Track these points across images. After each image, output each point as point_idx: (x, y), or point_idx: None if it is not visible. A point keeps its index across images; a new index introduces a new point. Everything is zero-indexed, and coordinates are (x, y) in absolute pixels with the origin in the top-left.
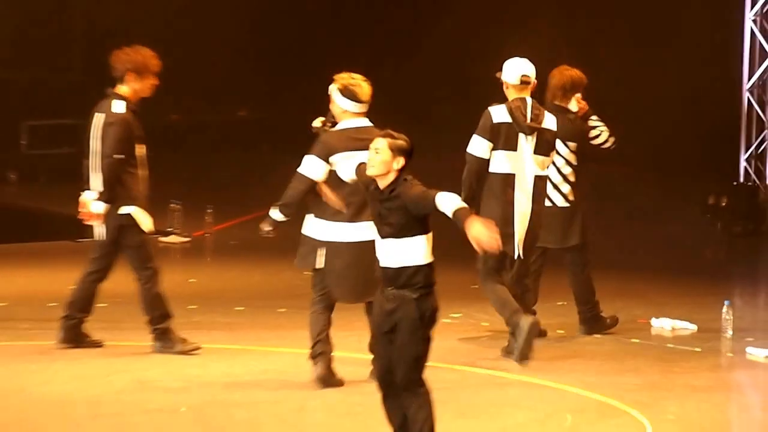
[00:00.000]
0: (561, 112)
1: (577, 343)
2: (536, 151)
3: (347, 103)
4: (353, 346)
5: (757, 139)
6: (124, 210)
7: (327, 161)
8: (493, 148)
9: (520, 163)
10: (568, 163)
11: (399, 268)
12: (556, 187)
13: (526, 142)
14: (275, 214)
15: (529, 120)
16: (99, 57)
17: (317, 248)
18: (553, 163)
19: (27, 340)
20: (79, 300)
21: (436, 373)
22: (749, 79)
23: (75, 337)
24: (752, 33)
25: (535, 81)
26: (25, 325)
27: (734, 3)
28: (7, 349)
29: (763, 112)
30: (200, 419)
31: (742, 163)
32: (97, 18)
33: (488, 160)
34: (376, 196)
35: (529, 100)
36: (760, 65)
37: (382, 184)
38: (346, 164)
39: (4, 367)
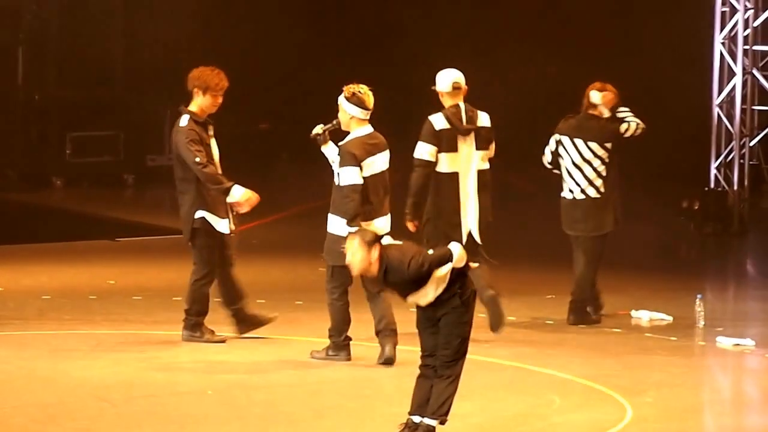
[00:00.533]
0: (595, 119)
1: (562, 333)
2: (477, 148)
3: (355, 110)
4: (362, 334)
5: (725, 149)
6: (199, 214)
7: (360, 167)
8: (438, 152)
9: (463, 162)
10: (603, 162)
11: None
12: (591, 182)
13: (465, 143)
14: (350, 227)
15: (465, 122)
16: (137, 74)
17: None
18: (590, 163)
19: (69, 329)
20: (225, 294)
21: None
22: (719, 95)
23: (246, 321)
24: (721, 54)
25: (466, 86)
26: (67, 316)
27: (705, 24)
28: (51, 338)
29: (731, 125)
30: (224, 401)
31: (713, 171)
32: (135, 38)
33: (435, 163)
34: (379, 283)
35: (462, 105)
36: (728, 83)
37: (373, 272)
38: (367, 169)
39: (49, 354)
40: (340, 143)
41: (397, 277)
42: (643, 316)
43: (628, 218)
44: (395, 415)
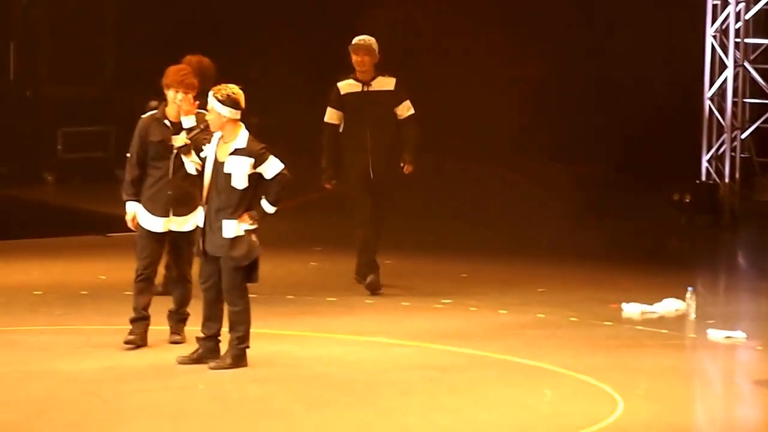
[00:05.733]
0: None
1: (554, 326)
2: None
3: (229, 111)
4: (352, 329)
5: (717, 141)
6: None
7: None
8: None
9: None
10: None
11: None
12: None
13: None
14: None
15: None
16: (127, 70)
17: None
18: None
19: (60, 324)
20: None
21: (430, 354)
22: (710, 88)
23: None
24: (713, 47)
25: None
26: (58, 311)
27: (697, 17)
28: (42, 333)
29: (723, 118)
30: (216, 395)
31: (704, 163)
32: (125, 34)
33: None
34: None
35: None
36: (719, 76)
37: None
38: None
39: (40, 349)
40: (245, 144)
41: None
42: (634, 309)
43: (618, 211)
44: (390, 409)
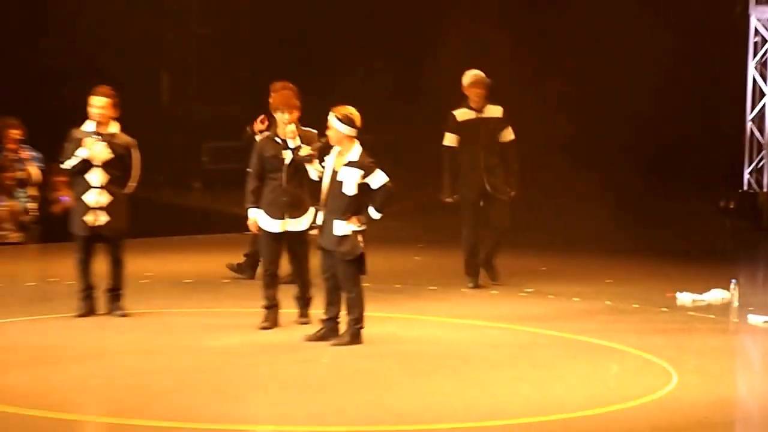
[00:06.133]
0: None
1: (619, 312)
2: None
3: (347, 128)
4: (448, 312)
5: (756, 157)
6: None
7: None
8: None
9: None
10: None
11: None
12: None
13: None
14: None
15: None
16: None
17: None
18: None
19: (206, 308)
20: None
21: (515, 334)
22: (751, 112)
23: None
24: (754, 78)
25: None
26: (205, 296)
27: (741, 51)
28: (192, 315)
29: (762, 136)
30: (336, 367)
31: (746, 176)
32: (259, 61)
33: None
34: None
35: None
36: (759, 101)
37: None
38: None
39: (189, 328)
40: (357, 157)
41: None
42: (686, 298)
43: (673, 215)
44: (481, 380)
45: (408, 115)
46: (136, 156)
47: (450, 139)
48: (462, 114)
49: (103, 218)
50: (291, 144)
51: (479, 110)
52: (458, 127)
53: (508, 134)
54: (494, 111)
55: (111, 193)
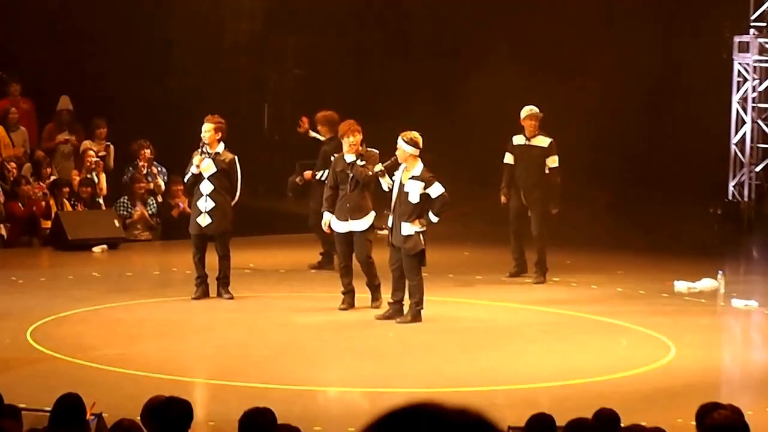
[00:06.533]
0: None
1: (628, 297)
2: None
3: (412, 149)
4: (492, 297)
5: (739, 173)
6: None
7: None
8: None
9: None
10: None
11: None
12: None
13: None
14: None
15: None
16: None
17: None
18: None
19: (297, 292)
20: None
21: (544, 315)
22: (735, 136)
23: None
24: (737, 109)
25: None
26: (295, 283)
27: (725, 86)
28: (285, 298)
29: (743, 156)
30: (401, 340)
31: (731, 188)
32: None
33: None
34: None
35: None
36: (740, 128)
37: None
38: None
39: (284, 308)
40: (420, 172)
41: None
42: (682, 285)
43: (672, 219)
44: (517, 352)
45: (446, 139)
46: (236, 169)
47: (508, 158)
48: (517, 139)
49: (208, 220)
50: (353, 161)
51: (529, 138)
52: (513, 150)
53: (552, 161)
54: (542, 141)
55: (215, 200)
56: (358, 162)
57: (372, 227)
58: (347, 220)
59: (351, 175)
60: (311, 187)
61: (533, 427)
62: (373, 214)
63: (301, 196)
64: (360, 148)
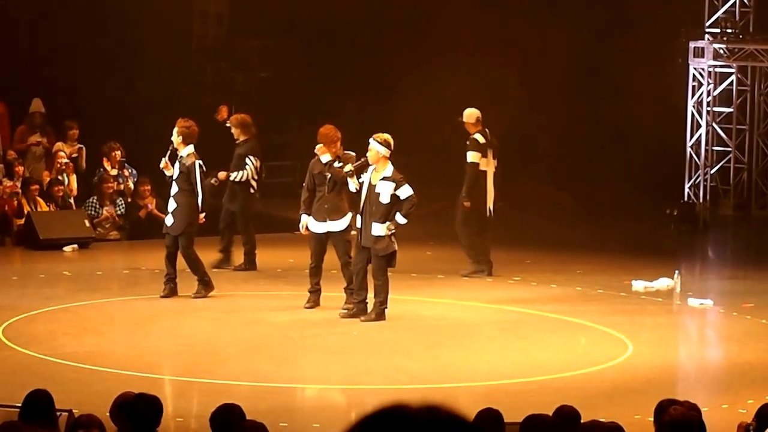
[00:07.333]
0: None
1: (587, 296)
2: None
3: (385, 150)
4: (454, 296)
5: (694, 175)
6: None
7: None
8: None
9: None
10: None
11: None
12: None
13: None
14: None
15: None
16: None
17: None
18: None
19: (264, 291)
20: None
21: (505, 313)
22: (690, 139)
23: None
24: (692, 113)
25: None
26: (262, 282)
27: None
28: (253, 297)
29: (699, 159)
30: (365, 338)
31: (686, 189)
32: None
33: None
34: None
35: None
36: (696, 131)
37: None
38: None
39: (253, 308)
40: (390, 173)
41: None
42: (639, 285)
43: (629, 220)
44: (479, 349)
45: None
46: (195, 172)
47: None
48: (480, 137)
49: (171, 220)
50: (329, 161)
51: (487, 137)
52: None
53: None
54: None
55: (177, 201)
56: (336, 164)
57: (349, 227)
58: (326, 221)
59: (329, 176)
60: (228, 188)
61: (481, 422)
62: (350, 215)
63: (217, 196)
64: (337, 150)
